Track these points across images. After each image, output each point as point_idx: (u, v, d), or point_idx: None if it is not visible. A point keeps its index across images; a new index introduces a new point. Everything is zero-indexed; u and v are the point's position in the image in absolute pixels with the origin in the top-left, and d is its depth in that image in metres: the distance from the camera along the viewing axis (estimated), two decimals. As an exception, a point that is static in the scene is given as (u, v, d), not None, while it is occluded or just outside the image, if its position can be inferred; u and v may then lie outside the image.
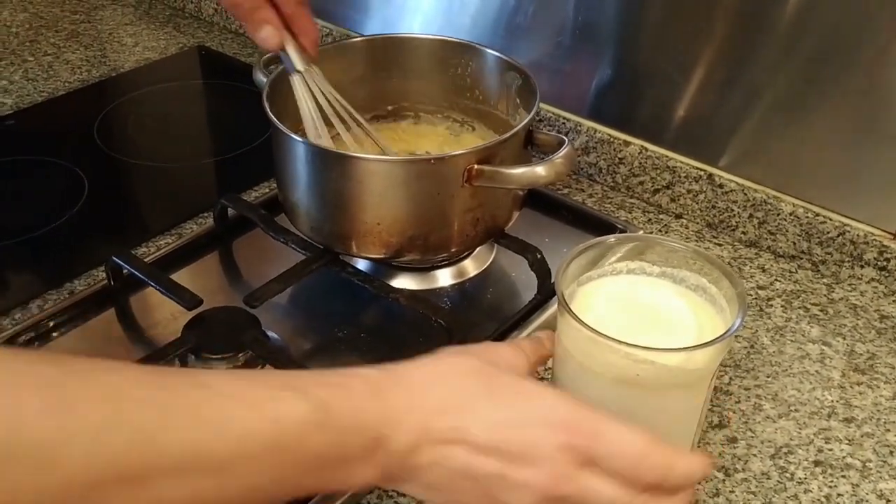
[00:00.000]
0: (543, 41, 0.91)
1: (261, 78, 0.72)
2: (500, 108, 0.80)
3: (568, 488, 0.43)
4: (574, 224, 0.83)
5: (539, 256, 0.71)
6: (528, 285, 0.72)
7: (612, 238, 0.57)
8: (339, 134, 0.73)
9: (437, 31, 0.98)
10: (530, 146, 0.70)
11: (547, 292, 0.72)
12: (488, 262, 0.77)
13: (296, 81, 0.69)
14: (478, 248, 0.77)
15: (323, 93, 0.70)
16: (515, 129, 0.67)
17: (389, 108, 0.83)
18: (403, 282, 0.74)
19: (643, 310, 0.55)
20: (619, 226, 0.81)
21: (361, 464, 0.43)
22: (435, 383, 0.45)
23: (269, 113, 0.67)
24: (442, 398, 0.44)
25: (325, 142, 0.70)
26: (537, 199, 0.85)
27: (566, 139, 0.65)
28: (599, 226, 0.82)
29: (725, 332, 0.50)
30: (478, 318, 0.72)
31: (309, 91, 0.70)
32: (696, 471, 0.45)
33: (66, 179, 0.88)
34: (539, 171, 0.62)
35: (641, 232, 0.82)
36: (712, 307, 0.54)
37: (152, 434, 0.37)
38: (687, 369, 0.51)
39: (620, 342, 0.48)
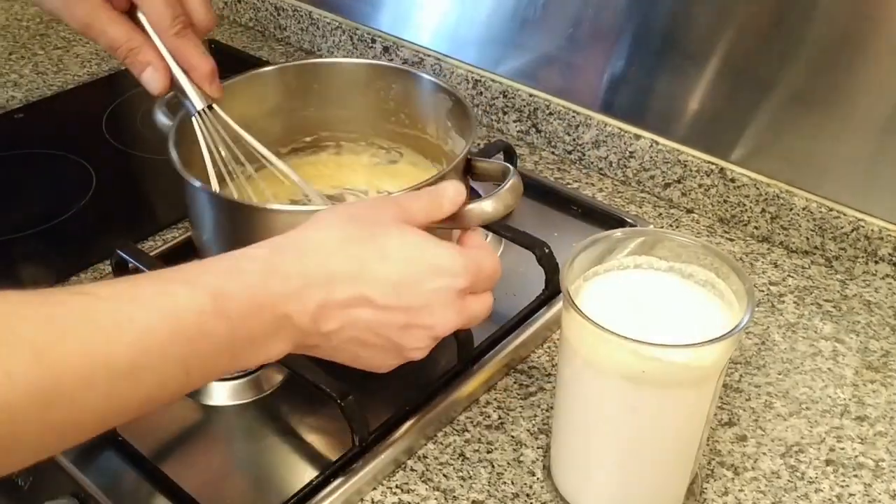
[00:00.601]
0: (555, 34, 0.90)
1: (163, 120, 0.65)
2: (430, 132, 0.74)
3: (462, 320, 0.50)
4: (583, 218, 0.82)
5: (547, 251, 0.70)
6: (535, 280, 0.71)
7: (619, 232, 0.56)
8: (253, 174, 0.67)
9: (451, 26, 0.97)
10: (469, 176, 0.64)
11: (555, 287, 0.71)
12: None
13: (196, 124, 0.62)
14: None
15: (224, 136, 0.63)
16: (454, 163, 0.61)
17: (308, 139, 0.77)
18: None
19: (650, 306, 0.54)
20: (630, 220, 0.80)
21: (271, 340, 0.45)
22: (327, 253, 0.47)
23: (175, 157, 0.60)
24: (337, 267, 0.46)
25: (233, 186, 0.65)
26: (546, 193, 0.85)
27: (511, 168, 0.58)
28: (609, 220, 0.81)
29: (733, 329, 0.49)
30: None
31: (210, 134, 0.63)
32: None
33: (75, 173, 0.88)
34: (486, 206, 0.55)
35: (651, 226, 0.81)
36: (721, 303, 0.53)
37: (51, 348, 0.36)
38: (694, 366, 0.50)
39: (626, 338, 0.47)
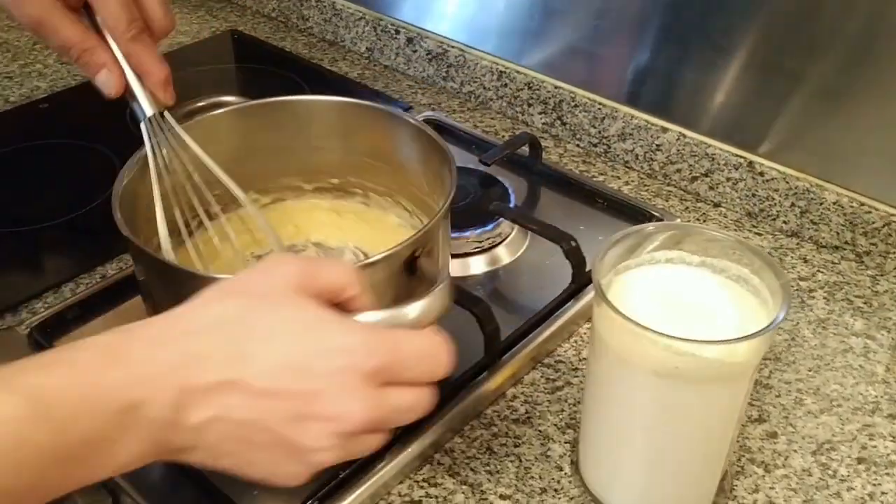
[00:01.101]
0: (580, 25, 0.89)
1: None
2: (408, 177, 0.66)
3: (375, 414, 0.41)
4: (609, 212, 0.81)
5: (574, 244, 0.69)
6: (562, 274, 0.71)
7: (650, 226, 0.55)
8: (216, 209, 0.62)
9: (475, 16, 0.97)
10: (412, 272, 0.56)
11: (581, 281, 0.70)
12: (522, 250, 0.76)
13: (145, 131, 0.58)
14: (511, 235, 0.76)
15: (177, 152, 0.59)
16: (435, 218, 0.55)
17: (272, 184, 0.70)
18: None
19: (683, 301, 0.53)
20: (656, 214, 0.79)
21: (119, 443, 0.38)
22: (194, 332, 0.40)
23: (119, 216, 0.54)
24: (205, 347, 0.40)
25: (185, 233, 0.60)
26: (571, 186, 0.84)
27: (446, 277, 0.54)
28: (635, 214, 0.80)
29: (769, 325, 0.48)
30: (511, 306, 0.71)
31: (159, 147, 0.58)
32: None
33: (99, 163, 0.87)
34: (408, 312, 0.46)
35: (678, 220, 0.80)
36: (754, 299, 0.53)
37: None
38: (728, 362, 0.49)
39: (660, 333, 0.47)
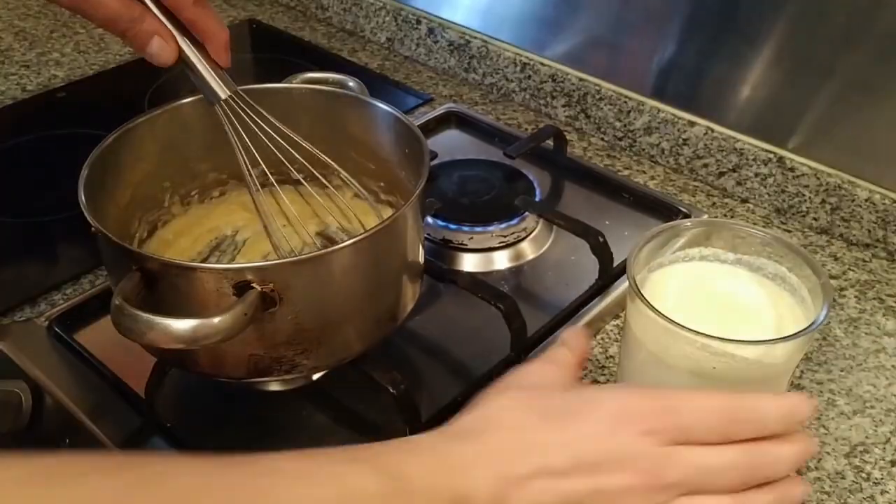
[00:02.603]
0: (605, 15, 0.88)
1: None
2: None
3: (673, 473, 0.41)
4: (635, 207, 0.80)
5: (602, 240, 0.68)
6: (588, 269, 0.70)
7: (686, 222, 0.54)
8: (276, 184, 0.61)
9: (498, 7, 0.95)
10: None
11: (608, 277, 0.69)
12: (547, 245, 0.75)
13: (221, 114, 0.57)
14: (536, 230, 0.75)
15: (251, 125, 0.58)
16: (410, 201, 0.53)
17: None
18: (458, 262, 0.72)
19: (718, 299, 0.52)
20: (683, 209, 0.78)
21: None
22: (492, 430, 0.43)
23: (90, 217, 0.52)
24: (505, 442, 0.42)
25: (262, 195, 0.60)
26: (596, 181, 0.83)
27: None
28: (661, 209, 0.79)
29: (809, 326, 0.47)
30: (537, 302, 0.70)
31: (235, 128, 0.57)
32: (792, 408, 0.43)
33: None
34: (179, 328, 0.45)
35: (706, 216, 0.79)
36: (792, 298, 0.51)
37: None
38: (767, 363, 0.48)
39: (697, 333, 0.46)
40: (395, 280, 0.56)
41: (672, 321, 0.46)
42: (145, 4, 0.55)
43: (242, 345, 0.50)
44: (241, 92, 0.58)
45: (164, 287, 0.49)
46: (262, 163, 0.59)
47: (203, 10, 0.56)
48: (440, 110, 0.92)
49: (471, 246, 0.73)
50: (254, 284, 0.47)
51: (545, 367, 0.47)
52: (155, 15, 0.55)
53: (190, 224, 0.66)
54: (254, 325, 0.47)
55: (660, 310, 0.47)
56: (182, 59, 0.56)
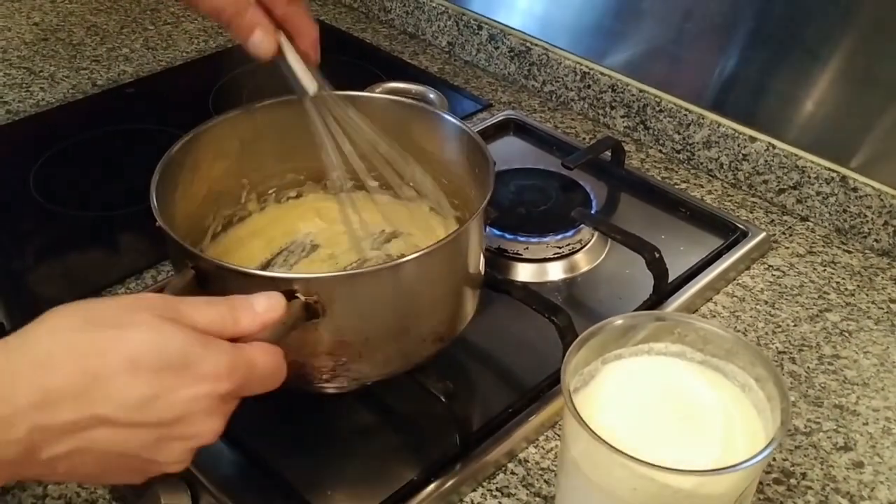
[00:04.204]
0: (667, 27, 0.87)
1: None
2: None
3: (222, 425, 0.43)
4: (691, 221, 0.80)
5: (657, 255, 0.68)
6: (642, 283, 0.70)
7: (650, 315, 0.51)
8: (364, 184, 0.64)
9: (560, 14, 0.95)
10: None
11: (663, 292, 0.69)
12: (602, 257, 0.75)
13: (310, 108, 0.60)
14: (591, 242, 0.75)
15: (339, 119, 0.61)
16: (474, 216, 0.55)
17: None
18: (513, 272, 0.73)
19: (668, 405, 0.47)
20: (741, 225, 0.77)
21: None
22: (48, 365, 0.39)
23: (162, 224, 0.53)
24: (59, 382, 0.38)
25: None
26: (653, 193, 0.82)
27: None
28: (718, 225, 0.78)
29: (747, 459, 0.41)
30: (589, 314, 0.70)
31: (325, 124, 0.60)
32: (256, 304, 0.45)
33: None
34: None
35: (763, 234, 0.78)
36: (756, 414, 0.47)
37: None
38: (702, 493, 0.43)
39: (615, 449, 0.41)
40: (449, 296, 0.56)
41: (589, 428, 0.42)
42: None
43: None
44: (331, 90, 0.60)
45: (216, 288, 0.51)
46: (343, 164, 0.62)
47: (296, 9, 0.58)
48: (499, 117, 0.92)
49: (525, 256, 0.73)
50: (298, 294, 0.48)
51: (159, 305, 0.42)
52: (258, 9, 0.57)
53: (265, 224, 0.68)
54: (295, 334, 0.48)
55: (598, 404, 0.45)
56: (279, 52, 0.58)
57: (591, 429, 0.43)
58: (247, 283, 0.49)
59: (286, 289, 0.48)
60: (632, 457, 0.41)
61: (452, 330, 0.58)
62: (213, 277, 0.51)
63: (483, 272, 0.60)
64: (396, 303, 0.53)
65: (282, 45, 0.58)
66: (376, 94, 0.67)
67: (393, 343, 0.55)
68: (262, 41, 0.57)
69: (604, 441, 0.42)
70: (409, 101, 0.66)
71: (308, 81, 0.60)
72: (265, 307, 0.45)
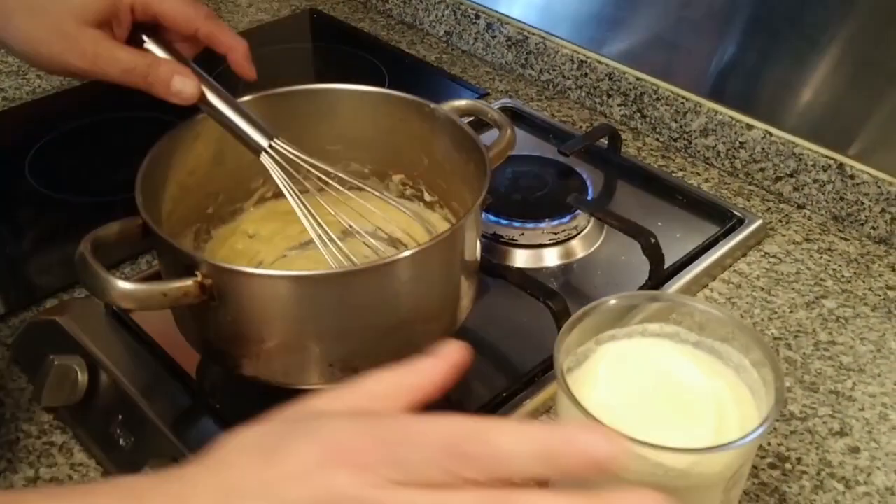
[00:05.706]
0: (665, 15, 0.87)
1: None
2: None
3: None
4: (688, 209, 0.79)
5: (653, 241, 0.68)
6: (638, 270, 0.69)
7: (644, 295, 0.51)
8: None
9: (557, 3, 0.95)
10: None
11: (659, 278, 0.69)
12: (598, 244, 0.74)
13: (267, 162, 0.56)
14: (587, 228, 0.74)
15: (298, 164, 0.57)
16: (467, 216, 0.54)
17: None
18: (508, 258, 0.72)
19: (660, 386, 0.47)
20: (737, 213, 0.77)
21: None
22: (210, 473, 0.35)
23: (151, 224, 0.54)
24: (210, 488, 0.35)
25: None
26: (649, 181, 0.82)
27: None
28: (715, 212, 0.78)
29: (740, 439, 0.42)
30: (585, 300, 0.68)
31: (284, 172, 0.56)
32: (553, 443, 0.33)
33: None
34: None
35: (759, 221, 0.77)
36: (749, 394, 0.47)
37: None
38: (695, 473, 0.43)
39: (609, 429, 0.40)
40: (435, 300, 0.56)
41: (579, 405, 0.42)
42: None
43: (197, 323, 0.55)
44: (281, 140, 0.57)
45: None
46: (316, 213, 0.58)
47: (217, 24, 0.57)
48: (496, 105, 0.92)
49: (521, 242, 0.73)
50: (196, 273, 0.50)
51: (344, 393, 0.38)
52: (168, 59, 0.56)
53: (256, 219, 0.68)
54: (204, 312, 0.51)
55: (591, 383, 0.45)
56: (214, 115, 0.56)
57: (583, 407, 0.43)
58: (163, 249, 0.55)
59: (188, 264, 0.50)
60: (625, 436, 0.40)
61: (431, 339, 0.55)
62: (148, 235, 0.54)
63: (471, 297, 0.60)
64: (299, 311, 0.52)
65: (219, 105, 0.56)
66: (371, 88, 0.65)
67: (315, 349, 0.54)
68: (184, 85, 0.55)
69: (596, 419, 0.42)
70: (402, 94, 0.64)
71: (258, 136, 0.56)
72: None
